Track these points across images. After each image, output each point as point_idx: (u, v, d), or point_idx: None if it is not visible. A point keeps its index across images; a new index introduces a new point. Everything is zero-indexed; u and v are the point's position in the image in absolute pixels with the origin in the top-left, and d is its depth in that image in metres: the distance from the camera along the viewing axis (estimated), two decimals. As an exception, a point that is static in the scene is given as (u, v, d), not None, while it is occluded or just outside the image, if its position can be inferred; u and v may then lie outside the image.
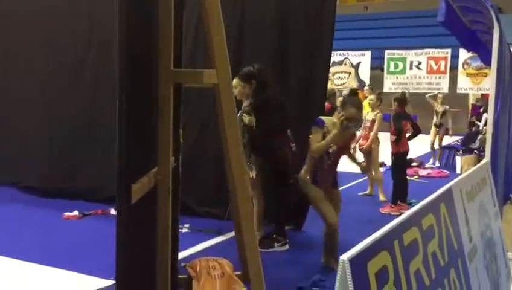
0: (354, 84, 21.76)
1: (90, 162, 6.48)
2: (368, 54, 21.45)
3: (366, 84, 21.19)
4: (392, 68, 21.19)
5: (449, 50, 20.06)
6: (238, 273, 3.91)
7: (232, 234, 5.04)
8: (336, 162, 4.34)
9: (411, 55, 20.90)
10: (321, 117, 4.25)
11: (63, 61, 6.67)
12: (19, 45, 6.99)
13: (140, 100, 2.21)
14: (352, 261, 1.50)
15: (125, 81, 1.94)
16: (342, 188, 7.61)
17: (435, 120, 11.38)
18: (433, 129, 11.31)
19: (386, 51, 21.17)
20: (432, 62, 20.48)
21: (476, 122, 13.26)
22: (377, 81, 19.85)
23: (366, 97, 16.84)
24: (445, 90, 19.15)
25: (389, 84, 21.18)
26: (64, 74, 6.67)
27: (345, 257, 1.50)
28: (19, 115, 7.00)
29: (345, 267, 1.49)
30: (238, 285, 3.68)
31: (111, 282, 3.85)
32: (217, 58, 2.51)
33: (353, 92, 4.56)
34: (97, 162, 6.35)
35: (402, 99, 6.90)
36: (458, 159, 10.03)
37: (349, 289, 1.47)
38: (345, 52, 21.19)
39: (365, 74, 21.76)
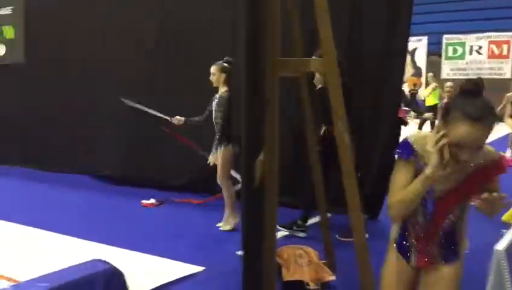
0: (410, 70, 21.22)
1: (162, 153, 6.68)
2: (425, 39, 20.82)
3: (422, 70, 20.65)
4: (450, 53, 20.50)
5: (512, 33, 19.19)
6: (324, 261, 3.92)
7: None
8: (454, 217, 2.09)
9: (471, 40, 20.13)
10: (409, 138, 2.05)
11: (140, 54, 6.85)
12: (102, 41, 7.24)
13: (255, 90, 2.24)
14: (508, 251, 1.47)
15: (249, 76, 1.97)
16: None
17: (510, 111, 10.23)
18: (510, 121, 10.15)
19: (445, 36, 20.48)
20: (494, 46, 19.66)
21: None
22: (434, 67, 19.26)
23: (415, 84, 16.32)
24: (508, 75, 18.37)
25: (447, 70, 20.51)
26: (139, 66, 6.83)
27: (500, 247, 1.47)
28: (97, 107, 7.25)
29: (499, 258, 1.46)
30: (326, 273, 3.68)
31: (200, 268, 3.96)
32: (323, 46, 2.50)
33: (471, 88, 1.93)
34: (167, 153, 6.61)
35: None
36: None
37: (505, 279, 1.44)
38: (400, 38, 20.66)
39: (422, 60, 21.15)
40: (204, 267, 3.96)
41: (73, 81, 7.45)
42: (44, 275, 1.85)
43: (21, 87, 8.10)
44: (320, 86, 4.68)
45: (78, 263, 2.49)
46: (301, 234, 4.82)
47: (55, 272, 1.90)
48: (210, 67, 5.03)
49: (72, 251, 4.19)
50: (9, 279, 3.43)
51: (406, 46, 5.46)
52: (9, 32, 8.24)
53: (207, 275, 3.85)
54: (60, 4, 7.57)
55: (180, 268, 3.89)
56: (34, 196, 6.46)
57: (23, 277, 3.28)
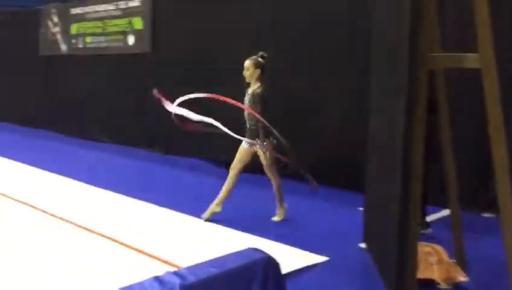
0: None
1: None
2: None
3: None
4: None
5: None
6: (454, 260, 3.77)
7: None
8: None
9: None
10: None
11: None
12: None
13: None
14: None
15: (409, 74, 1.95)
16: None
17: None
18: None
19: None
20: None
21: None
22: None
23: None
24: None
25: None
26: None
27: None
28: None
29: None
30: (458, 273, 3.55)
31: (324, 258, 3.99)
32: (481, 42, 2.41)
33: None
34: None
35: None
36: None
37: None
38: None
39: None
40: (328, 258, 3.99)
41: (197, 71, 7.77)
42: (209, 261, 1.99)
43: (147, 75, 8.65)
44: None
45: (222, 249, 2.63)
46: (428, 230, 4.68)
47: (217, 259, 2.04)
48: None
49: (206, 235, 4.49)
50: (167, 263, 3.70)
51: None
52: (137, 23, 8.83)
53: (330, 266, 3.88)
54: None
55: (304, 257, 3.96)
56: (166, 179, 6.98)
57: (179, 262, 3.54)
